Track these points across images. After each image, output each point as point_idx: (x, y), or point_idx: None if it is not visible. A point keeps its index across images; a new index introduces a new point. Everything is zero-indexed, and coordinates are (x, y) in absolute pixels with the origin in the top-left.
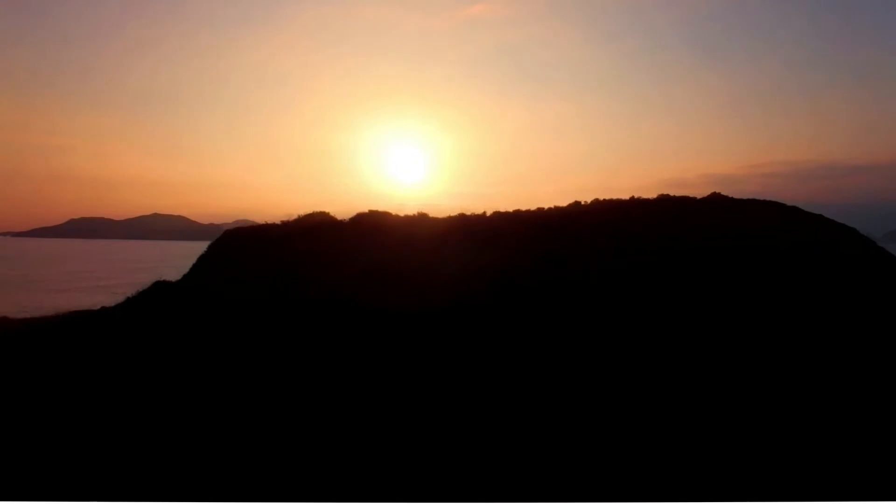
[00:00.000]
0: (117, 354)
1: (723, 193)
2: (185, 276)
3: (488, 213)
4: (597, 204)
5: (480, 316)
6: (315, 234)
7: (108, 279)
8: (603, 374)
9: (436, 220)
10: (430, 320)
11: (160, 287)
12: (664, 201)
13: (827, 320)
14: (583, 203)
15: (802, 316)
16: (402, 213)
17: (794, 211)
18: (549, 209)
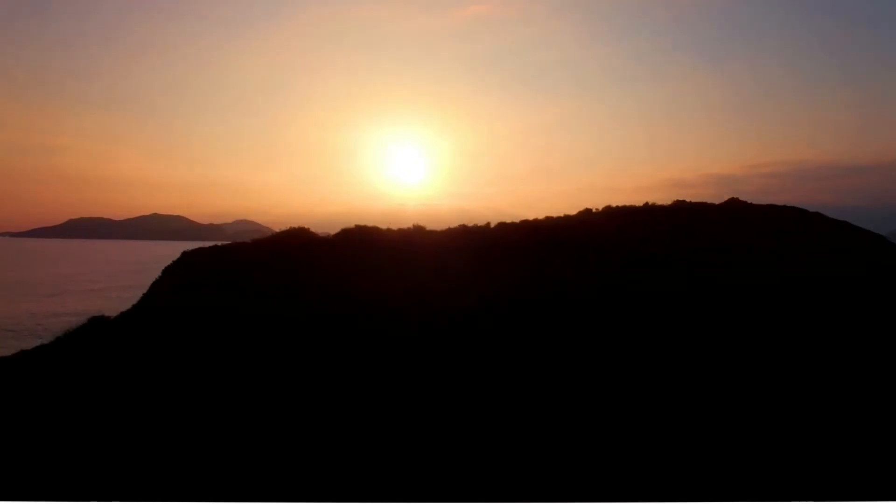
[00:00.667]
0: (31, 411)
1: (740, 198)
2: (134, 307)
3: (492, 224)
4: (609, 211)
5: (482, 339)
6: (292, 254)
7: (102, 282)
8: (615, 399)
9: (433, 235)
10: (424, 349)
11: (97, 324)
12: (680, 209)
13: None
14: (594, 210)
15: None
16: (397, 224)
17: (818, 217)
18: (559, 218)
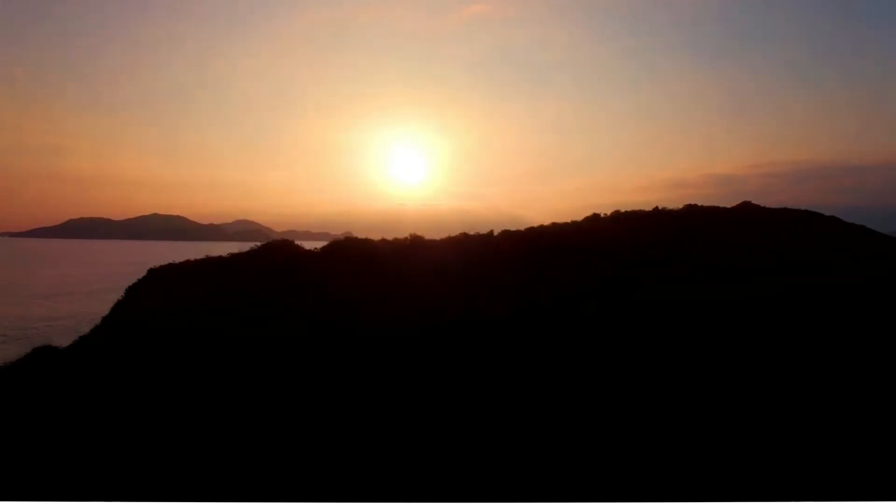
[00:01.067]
0: None
1: (753, 202)
2: (92, 332)
3: (496, 231)
4: (618, 217)
5: (478, 352)
6: (275, 269)
7: (100, 284)
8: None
9: (430, 246)
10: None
11: (41, 356)
12: (692, 213)
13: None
14: (602, 216)
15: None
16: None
17: (833, 221)
18: (565, 224)
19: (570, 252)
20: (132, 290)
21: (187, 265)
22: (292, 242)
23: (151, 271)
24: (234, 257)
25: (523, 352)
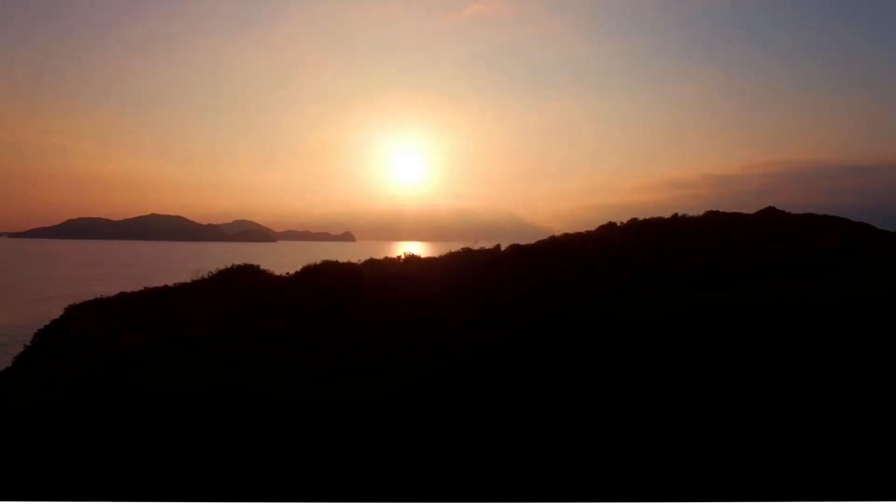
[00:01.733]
0: None
1: (776, 207)
2: None
3: (503, 246)
4: (635, 224)
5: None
6: (235, 300)
7: (96, 286)
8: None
9: (429, 265)
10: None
11: None
12: (713, 219)
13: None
14: (618, 224)
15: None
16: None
17: (865, 228)
18: (577, 234)
19: (584, 262)
20: (43, 334)
21: (119, 298)
22: (257, 267)
23: (70, 309)
24: (179, 287)
25: (527, 367)
